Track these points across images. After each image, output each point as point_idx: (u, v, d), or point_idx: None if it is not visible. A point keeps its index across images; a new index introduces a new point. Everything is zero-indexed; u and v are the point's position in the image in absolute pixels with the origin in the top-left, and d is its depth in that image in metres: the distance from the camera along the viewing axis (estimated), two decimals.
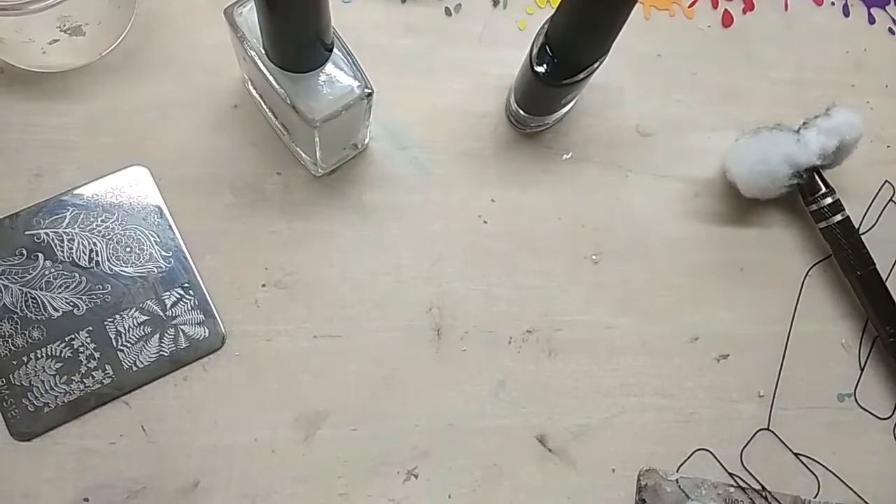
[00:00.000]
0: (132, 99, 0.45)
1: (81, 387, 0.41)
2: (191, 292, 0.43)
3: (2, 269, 0.42)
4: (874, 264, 0.47)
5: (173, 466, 0.41)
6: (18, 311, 0.41)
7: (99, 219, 0.43)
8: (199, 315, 0.43)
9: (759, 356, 0.47)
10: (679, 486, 0.45)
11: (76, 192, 0.43)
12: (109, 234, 0.43)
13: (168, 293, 0.43)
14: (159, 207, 0.44)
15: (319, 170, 0.45)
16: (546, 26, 0.41)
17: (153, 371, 0.42)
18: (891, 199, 0.50)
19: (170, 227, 0.43)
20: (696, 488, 0.45)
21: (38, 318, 0.41)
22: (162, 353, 0.42)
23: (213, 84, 0.46)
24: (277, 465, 0.42)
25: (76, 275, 0.42)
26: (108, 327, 0.42)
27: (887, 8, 0.53)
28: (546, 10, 0.50)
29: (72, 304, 0.42)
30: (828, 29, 0.53)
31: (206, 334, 0.43)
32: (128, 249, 0.43)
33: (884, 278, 0.47)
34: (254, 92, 0.44)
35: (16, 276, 0.42)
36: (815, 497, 0.46)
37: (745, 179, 0.47)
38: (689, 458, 0.45)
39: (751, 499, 0.45)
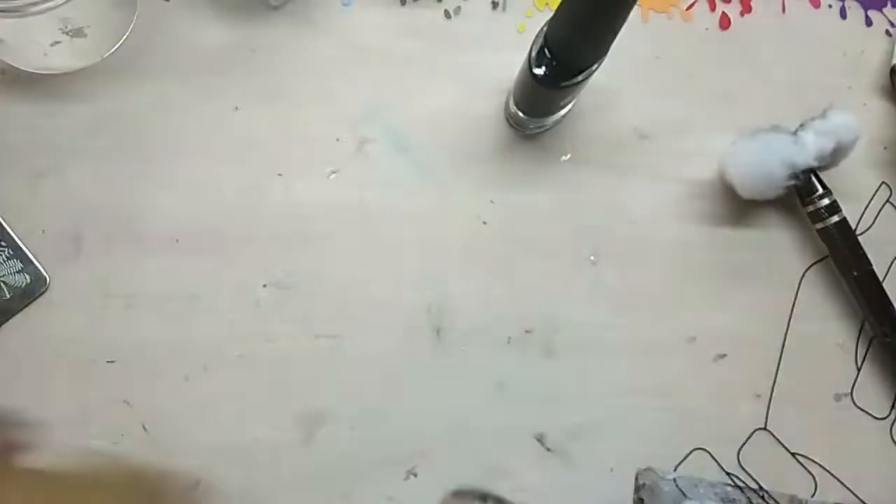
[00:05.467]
0: (134, 100, 0.45)
1: None
2: (2, 244, 0.43)
3: None
4: (871, 265, 0.47)
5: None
6: None
7: None
8: (17, 264, 0.43)
9: (757, 356, 0.47)
10: (676, 486, 0.45)
11: None
12: None
13: None
14: None
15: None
16: (545, 29, 0.41)
17: None
18: (887, 201, 0.50)
19: None
20: (694, 487, 0.45)
21: None
22: None
23: (213, 85, 0.46)
24: (277, 464, 0.42)
25: None
26: None
27: (884, 10, 0.53)
28: (545, 13, 0.50)
29: None
30: (825, 31, 0.53)
31: (28, 280, 0.43)
32: None
33: (880, 279, 0.47)
34: None
35: None
36: (812, 496, 0.46)
37: (742, 181, 0.47)
38: (686, 457, 0.46)
39: (748, 498, 0.45)
